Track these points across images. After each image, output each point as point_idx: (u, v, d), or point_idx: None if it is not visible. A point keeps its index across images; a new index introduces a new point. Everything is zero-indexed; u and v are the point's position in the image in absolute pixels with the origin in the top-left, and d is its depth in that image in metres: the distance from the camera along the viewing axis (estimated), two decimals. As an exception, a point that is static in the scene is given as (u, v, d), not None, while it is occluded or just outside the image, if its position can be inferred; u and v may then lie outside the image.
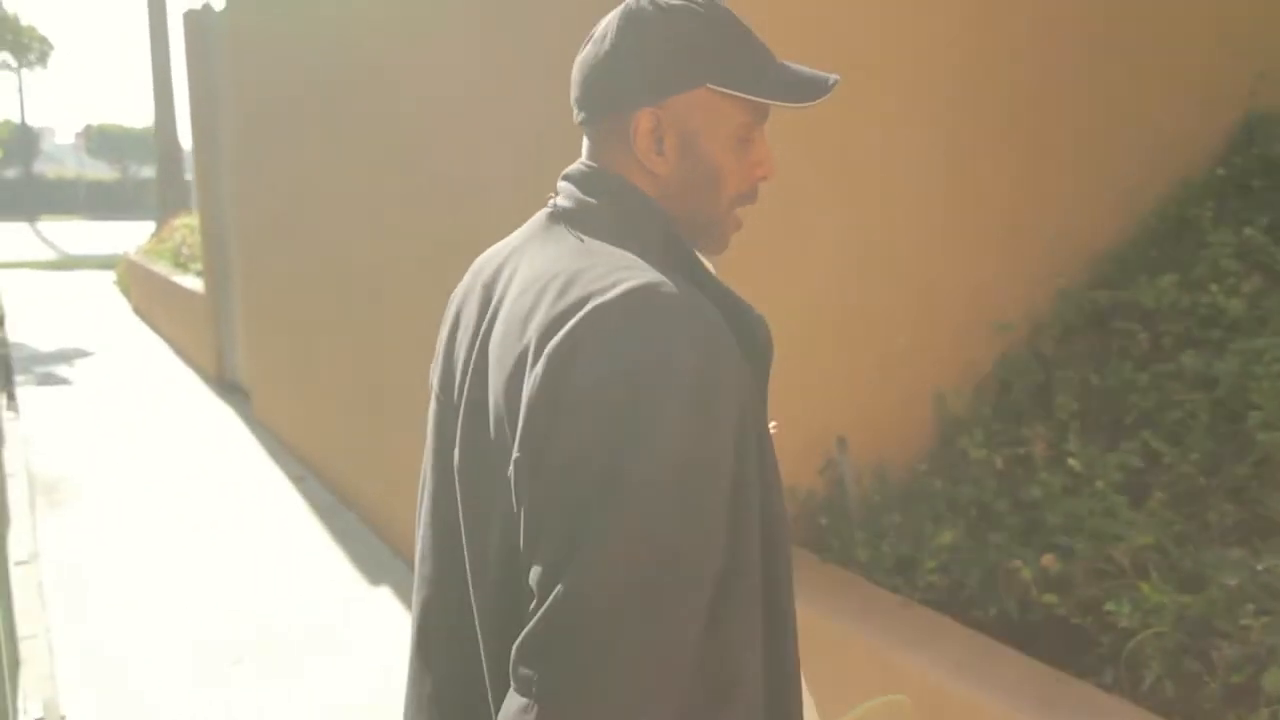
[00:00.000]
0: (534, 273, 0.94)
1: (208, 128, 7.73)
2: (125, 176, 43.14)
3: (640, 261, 0.90)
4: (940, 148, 2.66)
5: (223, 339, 7.81)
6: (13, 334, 10.17)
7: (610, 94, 1.00)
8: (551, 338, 0.85)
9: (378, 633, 3.52)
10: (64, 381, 7.98)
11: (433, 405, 1.06)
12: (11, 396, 7.26)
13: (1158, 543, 1.97)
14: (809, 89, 1.01)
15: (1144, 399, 2.48)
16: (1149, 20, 3.08)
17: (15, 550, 4.05)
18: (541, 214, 1.04)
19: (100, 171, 45.72)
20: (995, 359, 2.86)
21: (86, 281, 15.55)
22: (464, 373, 0.99)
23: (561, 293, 0.88)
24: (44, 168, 47.54)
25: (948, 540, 2.17)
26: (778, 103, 1.00)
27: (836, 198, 2.49)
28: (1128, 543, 1.97)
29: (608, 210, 0.99)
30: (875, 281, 2.59)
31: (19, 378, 8.02)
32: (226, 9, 6.69)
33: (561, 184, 1.04)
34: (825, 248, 2.48)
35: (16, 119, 37.93)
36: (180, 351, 9.29)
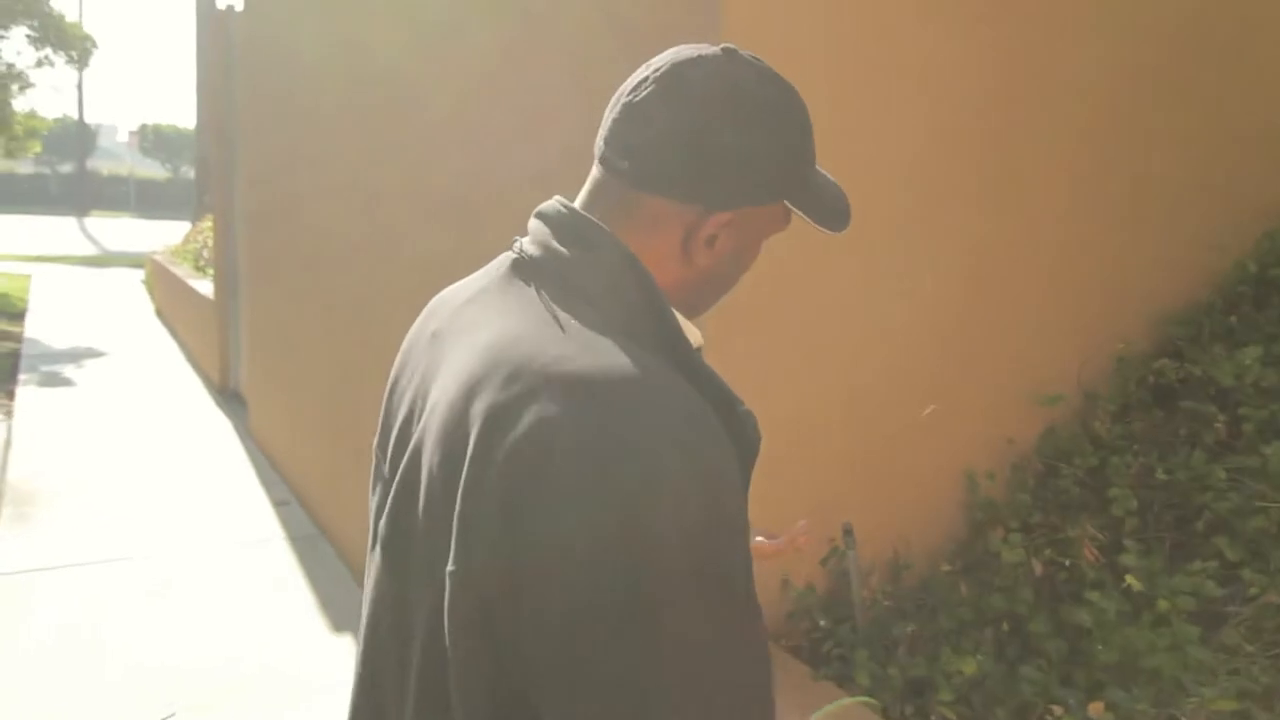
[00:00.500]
0: (484, 340, 0.83)
1: (224, 130, 7.53)
2: (176, 176, 43.82)
3: (611, 340, 0.79)
4: (976, 184, 2.26)
5: (229, 347, 7.56)
6: (31, 330, 10.06)
7: (690, 181, 0.88)
8: (498, 432, 0.73)
9: (338, 686, 3.16)
10: (68, 383, 7.77)
11: (373, 472, 0.96)
12: (9, 397, 7.06)
13: (1242, 709, 1.54)
14: (843, 219, 0.96)
15: (1220, 500, 2.05)
16: (1229, 59, 2.66)
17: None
18: (505, 258, 0.93)
19: (152, 170, 46.52)
20: (1038, 437, 2.44)
21: (118, 279, 15.52)
22: (399, 443, 0.89)
23: (511, 377, 0.76)
24: (100, 164, 48.52)
25: (971, 669, 1.75)
26: (826, 230, 0.95)
27: (850, 243, 2.10)
28: (1199, 701, 1.54)
29: (586, 267, 0.87)
30: (896, 341, 2.18)
31: (23, 376, 7.83)
32: (244, 12, 6.49)
33: (533, 224, 0.92)
34: (836, 301, 2.09)
35: (74, 115, 38.62)
36: (191, 357, 9.08)
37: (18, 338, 9.62)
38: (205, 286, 8.70)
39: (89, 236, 24.26)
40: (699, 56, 0.89)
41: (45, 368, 8.26)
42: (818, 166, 0.98)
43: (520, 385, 0.75)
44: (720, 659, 0.71)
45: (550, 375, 0.75)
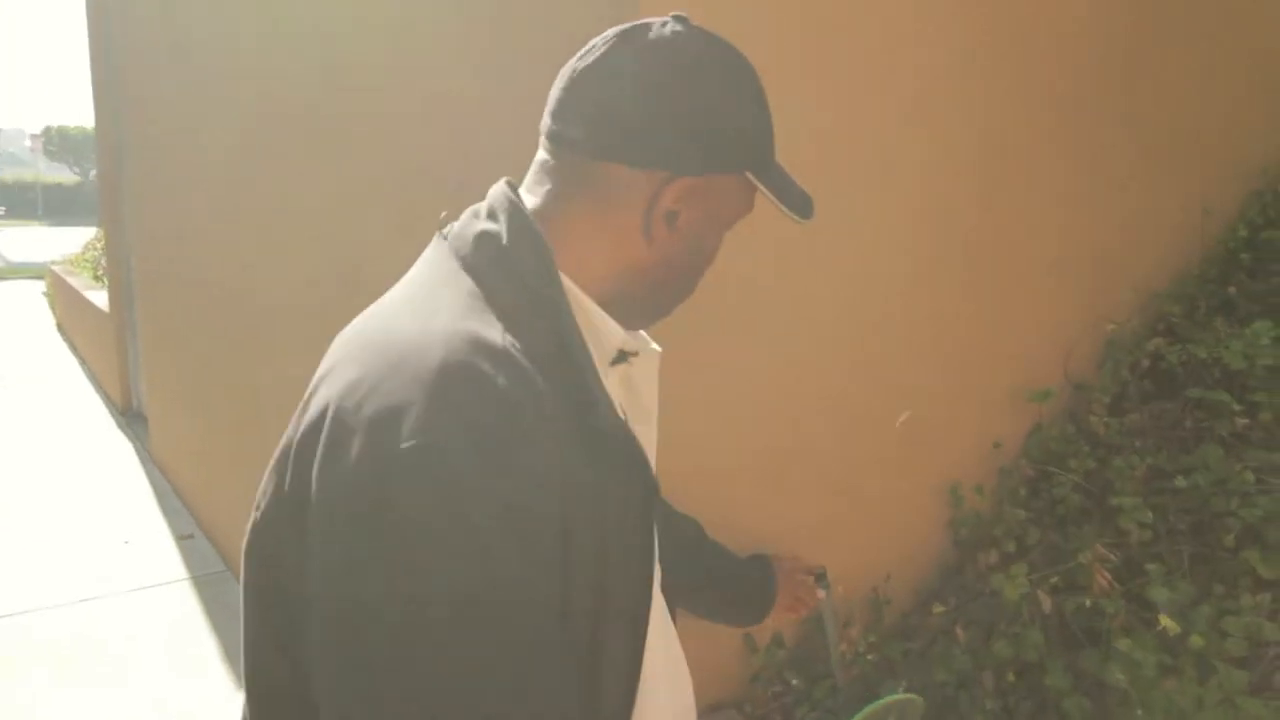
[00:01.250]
0: (358, 319, 0.86)
1: (110, 124, 6.90)
2: (86, 180, 41.93)
3: (462, 321, 0.76)
4: (949, 162, 1.92)
5: (128, 363, 6.97)
6: (-86, 353, 9.27)
7: (652, 144, 0.83)
8: (317, 400, 0.77)
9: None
10: (-48, 411, 7.10)
11: None
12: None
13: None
14: (808, 207, 0.92)
15: (1247, 506, 1.75)
16: (1214, 9, 2.36)
17: None
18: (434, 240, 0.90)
19: (60, 174, 44.44)
20: (1026, 438, 2.12)
21: (18, 292, 14.57)
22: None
23: (350, 353, 0.78)
24: (5, 170, 46.25)
25: (979, 745, 1.42)
26: (790, 213, 0.90)
27: (809, 235, 1.74)
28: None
29: (486, 245, 0.83)
30: (866, 341, 1.84)
31: (-101, 406, 7.14)
32: (118, -8, 5.90)
33: (468, 210, 0.89)
34: (797, 298, 1.73)
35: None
36: (91, 375, 8.42)
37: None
38: (102, 298, 8.05)
39: (-10, 248, 22.91)
40: (649, 23, 0.86)
41: (-72, 397, 7.55)
42: (777, 159, 0.92)
43: (344, 355, 0.78)
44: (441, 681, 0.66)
45: (374, 349, 0.76)
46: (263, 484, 0.82)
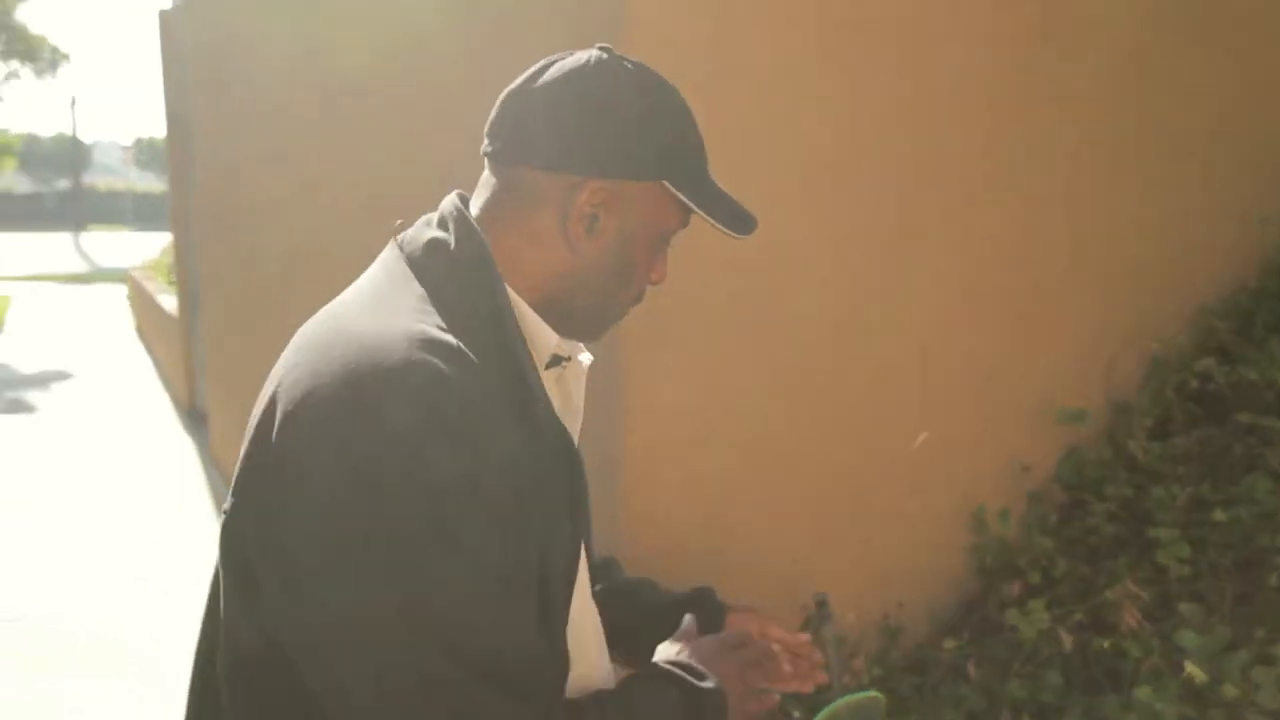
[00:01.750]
0: (313, 319, 0.92)
1: (179, 138, 7.12)
2: (173, 188, 43.66)
3: (412, 319, 0.84)
4: (966, 162, 1.82)
5: (194, 364, 7.17)
6: (3, 353, 9.70)
7: (558, 146, 0.90)
8: (282, 388, 0.83)
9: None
10: (30, 409, 7.40)
11: None
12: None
13: None
14: (744, 222, 0.96)
15: (1297, 543, 1.61)
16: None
17: None
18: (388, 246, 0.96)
19: (149, 183, 46.31)
20: (1059, 461, 2.01)
21: (104, 296, 15.18)
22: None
23: (307, 346, 0.85)
24: (98, 179, 48.36)
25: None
26: (718, 225, 0.94)
27: (818, 239, 1.67)
28: None
29: (434, 251, 0.90)
30: (880, 354, 1.75)
31: (-16, 403, 7.47)
32: (186, 6, 6.08)
33: (423, 218, 0.96)
34: (802, 306, 1.66)
35: (70, 133, 38.44)
36: (163, 376, 8.70)
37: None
38: (172, 302, 8.31)
39: (81, 252, 23.95)
40: (575, 53, 0.93)
41: (10, 393, 7.89)
42: (712, 177, 0.97)
43: (307, 356, 0.83)
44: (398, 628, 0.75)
45: (338, 349, 0.81)
46: (235, 477, 0.88)
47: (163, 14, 7.05)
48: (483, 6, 1.86)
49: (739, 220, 0.96)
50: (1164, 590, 1.69)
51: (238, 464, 0.87)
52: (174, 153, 7.19)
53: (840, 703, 1.07)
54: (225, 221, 5.65)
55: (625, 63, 0.93)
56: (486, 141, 0.94)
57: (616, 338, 1.49)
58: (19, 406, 7.45)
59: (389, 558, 0.75)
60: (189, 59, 6.40)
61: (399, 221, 0.98)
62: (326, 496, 0.76)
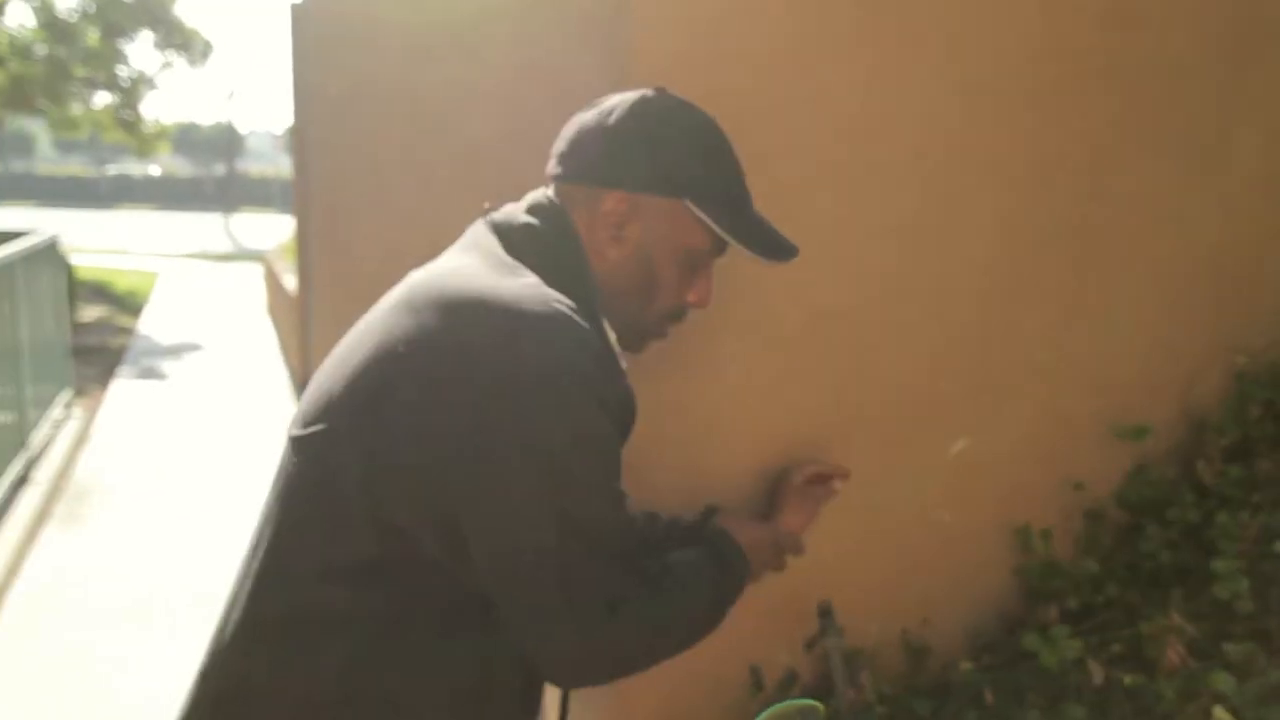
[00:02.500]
0: (420, 276, 1.04)
1: (302, 123, 7.45)
2: (318, 174, 45.84)
3: (528, 281, 0.97)
4: (1015, 141, 1.70)
5: (309, 342, 7.51)
6: (144, 325, 10.40)
7: (594, 164, 1.05)
8: (421, 341, 0.96)
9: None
10: (161, 377, 7.91)
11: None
12: (104, 390, 7.20)
13: None
14: (777, 250, 1.09)
15: (1373, 585, 1.44)
16: None
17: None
18: (473, 225, 1.08)
19: (297, 169, 48.80)
20: (1123, 479, 1.85)
21: (243, 275, 16.07)
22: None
23: (436, 301, 0.97)
24: (251, 165, 51.31)
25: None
26: (743, 247, 1.06)
27: (850, 232, 1.58)
28: None
29: (545, 236, 1.03)
30: (915, 354, 1.66)
31: (122, 370, 8.02)
32: (307, 3, 6.35)
33: (510, 205, 1.08)
34: (835, 303, 1.58)
35: (226, 121, 40.80)
36: (284, 350, 9.14)
37: (132, 332, 9.95)
38: (293, 281, 8.72)
39: (229, 234, 25.46)
40: (635, 90, 1.07)
41: (145, 362, 8.45)
42: (748, 207, 1.09)
43: (435, 305, 0.96)
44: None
45: (461, 297, 0.95)
46: (313, 430, 1.01)
47: (294, 7, 7.38)
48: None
49: (772, 247, 1.07)
50: (1222, 628, 1.54)
51: (323, 402, 1.01)
52: (298, 142, 7.52)
53: (778, 708, 1.10)
54: (333, 211, 5.88)
55: (673, 98, 1.06)
56: (553, 163, 1.08)
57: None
58: (151, 374, 7.98)
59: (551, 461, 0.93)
60: (310, 53, 6.68)
61: (488, 204, 1.08)
62: (487, 438, 0.92)
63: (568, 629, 0.95)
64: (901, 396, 1.65)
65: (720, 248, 1.07)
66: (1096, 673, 1.43)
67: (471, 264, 1.01)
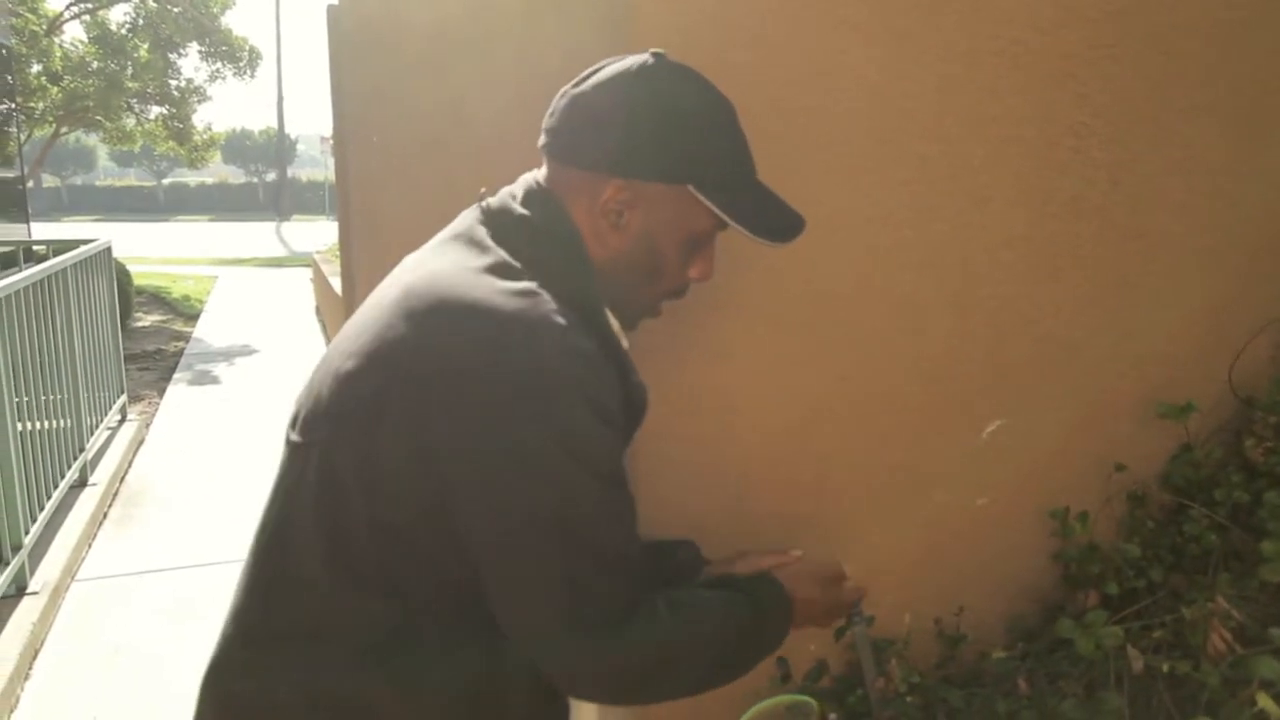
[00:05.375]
0: (407, 278, 1.00)
1: (341, 125, 7.54)
2: (366, 178, 46.44)
3: (514, 281, 0.95)
4: (1071, 98, 1.63)
5: (355, 344, 7.61)
6: (200, 330, 10.63)
7: (592, 149, 1.00)
8: (408, 344, 0.94)
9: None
10: (215, 381, 8.08)
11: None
12: (160, 395, 7.37)
13: None
14: (779, 230, 1.04)
15: None
16: None
17: (40, 576, 3.77)
18: (467, 212, 1.07)
19: (345, 174, 49.45)
20: (1168, 460, 1.78)
21: (292, 279, 16.36)
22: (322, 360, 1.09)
23: (422, 302, 0.95)
24: (301, 171, 52.22)
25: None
26: (748, 232, 1.01)
27: (871, 203, 1.53)
28: None
29: (538, 228, 1.00)
30: (942, 327, 1.60)
31: (178, 375, 8.20)
32: (342, 6, 6.40)
33: (502, 190, 1.06)
34: (857, 278, 1.53)
35: (277, 127, 41.59)
36: (333, 353, 9.28)
37: (187, 337, 10.17)
38: (339, 284, 8.84)
39: (281, 239, 25.95)
40: (626, 57, 1.02)
41: (200, 366, 8.64)
42: (754, 181, 1.05)
43: (426, 310, 0.94)
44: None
45: (449, 302, 0.93)
46: (315, 420, 1.01)
47: (330, 8, 7.45)
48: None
49: (777, 229, 1.02)
50: (1271, 612, 1.46)
51: (320, 408, 1.01)
52: (339, 144, 7.63)
53: (770, 702, 1.10)
54: (372, 212, 5.94)
55: (670, 68, 1.00)
56: (542, 136, 1.05)
57: (630, 310, 1.43)
58: (205, 379, 8.15)
59: (547, 461, 0.91)
60: (345, 54, 6.75)
61: (483, 190, 1.07)
62: (492, 417, 0.90)
63: (568, 643, 0.93)
64: (927, 378, 1.60)
65: (724, 225, 1.04)
66: (1136, 660, 1.37)
67: (462, 262, 0.99)
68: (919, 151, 1.52)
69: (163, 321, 11.14)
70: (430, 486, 0.92)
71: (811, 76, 1.45)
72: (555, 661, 0.95)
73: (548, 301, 0.93)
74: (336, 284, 9.11)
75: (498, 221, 1.02)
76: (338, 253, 11.51)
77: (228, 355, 9.20)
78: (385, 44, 5.07)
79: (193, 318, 11.55)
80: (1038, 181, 1.61)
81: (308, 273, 16.86)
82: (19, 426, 3.84)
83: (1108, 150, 1.66)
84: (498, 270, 0.96)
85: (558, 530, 0.91)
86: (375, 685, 0.97)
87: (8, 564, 3.55)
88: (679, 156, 0.99)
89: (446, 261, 1.00)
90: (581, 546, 0.91)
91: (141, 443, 6.12)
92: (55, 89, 12.71)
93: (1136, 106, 1.66)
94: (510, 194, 1.04)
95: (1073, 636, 1.37)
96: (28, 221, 9.79)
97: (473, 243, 1.01)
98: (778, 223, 1.04)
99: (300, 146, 55.09)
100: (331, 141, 8.07)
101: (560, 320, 0.92)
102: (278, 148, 41.10)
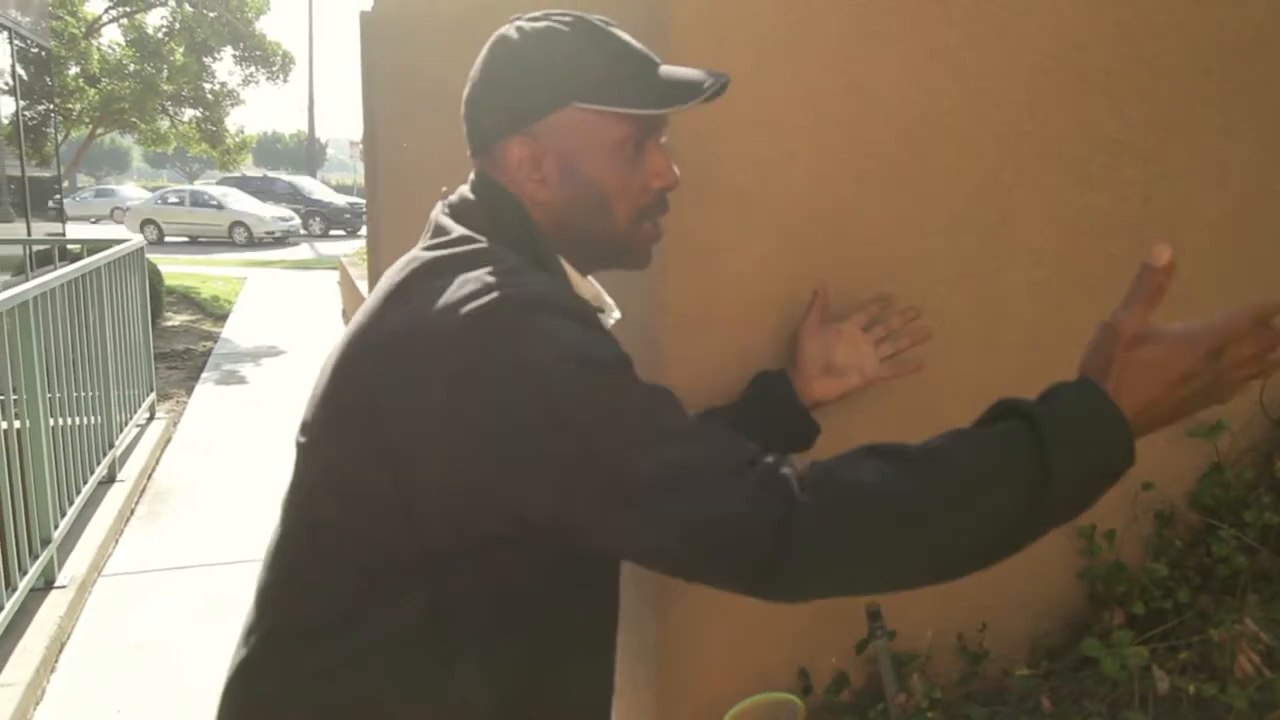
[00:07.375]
0: (389, 272, 1.02)
1: (372, 130, 7.61)
2: (394, 183, 46.95)
3: (491, 263, 0.94)
4: (1099, 111, 1.62)
5: (380, 347, 7.67)
6: (228, 330, 10.75)
7: (482, 127, 1.04)
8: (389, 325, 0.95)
9: None
10: (242, 381, 8.16)
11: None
12: (188, 395, 7.46)
13: None
14: (680, 93, 0.98)
15: None
16: None
17: (66, 572, 3.82)
18: (435, 210, 1.09)
19: (373, 178, 50.01)
20: (1199, 479, 1.76)
21: (319, 281, 16.52)
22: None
23: (404, 286, 0.97)
24: (330, 175, 52.77)
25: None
26: (648, 111, 0.98)
27: (892, 210, 1.54)
28: None
29: (488, 206, 1.02)
30: (965, 342, 1.60)
31: (205, 375, 8.30)
32: (374, 13, 6.47)
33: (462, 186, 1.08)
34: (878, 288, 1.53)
35: (308, 131, 42.02)
36: (358, 355, 9.35)
37: (215, 338, 10.30)
38: (366, 286, 8.92)
39: (310, 242, 26.18)
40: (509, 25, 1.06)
41: (227, 366, 8.74)
42: (650, 68, 1.01)
43: (399, 290, 0.96)
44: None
45: (420, 273, 0.96)
46: (326, 408, 1.00)
47: (362, 15, 7.53)
48: None
49: (667, 96, 0.97)
50: (1299, 638, 1.44)
51: (323, 411, 0.99)
52: (369, 149, 7.70)
53: (752, 700, 1.09)
54: (400, 216, 5.99)
55: (520, 24, 1.02)
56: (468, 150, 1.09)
57: (657, 319, 1.44)
58: (232, 379, 8.24)
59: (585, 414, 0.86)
60: (377, 59, 6.82)
61: (445, 188, 1.10)
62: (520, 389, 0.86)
63: (770, 553, 0.84)
64: (954, 391, 1.60)
65: (648, 125, 1.00)
66: (1162, 680, 1.36)
67: (429, 242, 1.02)
68: (953, 166, 1.52)
69: (192, 321, 11.28)
70: (474, 483, 0.89)
71: (846, 89, 1.45)
72: (742, 582, 0.87)
73: (509, 256, 0.95)
74: (363, 287, 9.19)
75: (458, 210, 1.04)
76: (364, 257, 11.62)
77: (255, 356, 9.30)
78: (417, 49, 5.13)
79: (221, 318, 11.68)
80: (1069, 198, 1.60)
81: (334, 275, 17.02)
82: (51, 422, 3.90)
83: (1141, 167, 1.65)
84: (462, 242, 0.98)
85: (631, 447, 0.85)
86: (397, 691, 0.95)
87: (37, 557, 3.60)
88: (547, 82, 0.98)
89: (416, 249, 1.03)
90: (665, 442, 0.85)
91: (169, 441, 6.20)
92: (92, 91, 12.93)
93: (1170, 123, 1.66)
94: (463, 188, 1.07)
95: (1098, 655, 1.36)
96: (63, 221, 9.95)
97: (438, 229, 1.04)
98: (689, 86, 0.98)
99: (330, 150, 55.69)
100: (361, 146, 8.16)
101: (520, 267, 0.94)
102: (308, 151, 41.56)
